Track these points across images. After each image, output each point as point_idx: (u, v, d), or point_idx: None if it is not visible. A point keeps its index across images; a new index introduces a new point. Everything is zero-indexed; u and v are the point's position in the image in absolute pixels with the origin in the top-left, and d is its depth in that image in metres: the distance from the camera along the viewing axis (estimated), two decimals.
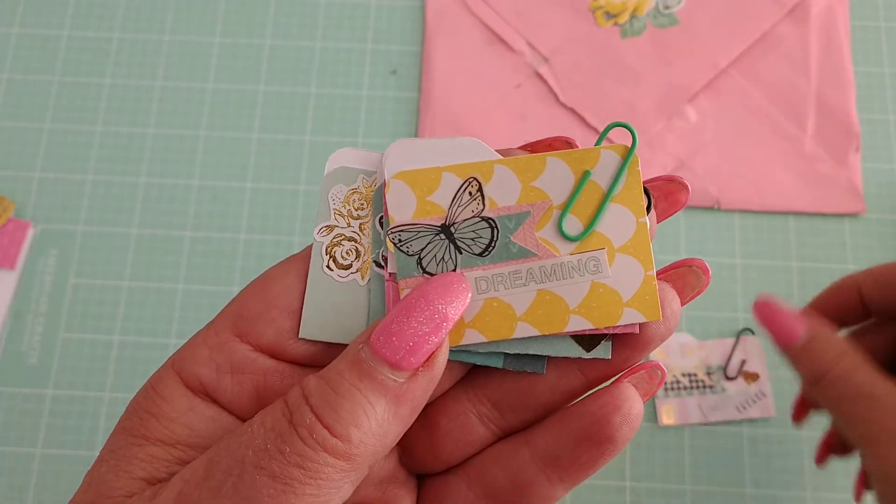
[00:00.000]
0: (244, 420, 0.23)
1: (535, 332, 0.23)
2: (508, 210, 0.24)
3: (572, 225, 0.24)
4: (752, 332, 0.52)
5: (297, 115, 0.58)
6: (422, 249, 0.23)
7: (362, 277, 0.24)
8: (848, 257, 0.54)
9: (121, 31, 0.60)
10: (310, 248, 0.24)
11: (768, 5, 0.58)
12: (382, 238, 0.24)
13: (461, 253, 0.24)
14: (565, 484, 0.24)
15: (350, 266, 0.24)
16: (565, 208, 0.24)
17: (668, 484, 0.50)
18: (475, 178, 0.24)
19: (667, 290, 0.24)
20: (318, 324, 0.23)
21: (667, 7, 0.59)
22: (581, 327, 0.23)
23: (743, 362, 0.52)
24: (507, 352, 0.24)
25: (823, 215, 0.55)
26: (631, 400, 0.23)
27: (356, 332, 0.23)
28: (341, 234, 0.24)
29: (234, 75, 0.59)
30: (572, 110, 0.57)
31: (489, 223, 0.24)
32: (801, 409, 0.44)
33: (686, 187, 0.24)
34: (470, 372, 0.25)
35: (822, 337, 0.37)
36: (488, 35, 0.59)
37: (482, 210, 0.24)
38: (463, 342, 0.23)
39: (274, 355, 0.24)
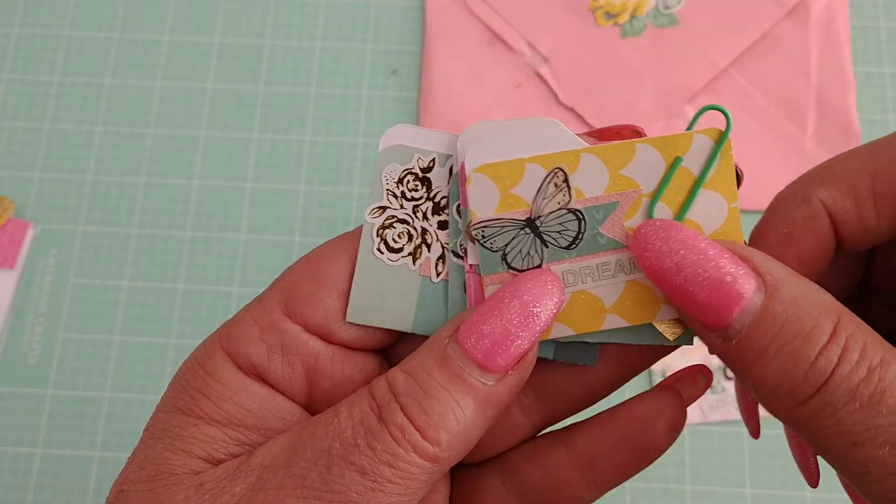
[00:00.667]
0: (296, 401, 0.23)
1: (625, 324, 0.22)
2: (596, 200, 0.22)
3: (663, 212, 0.22)
4: None
5: (297, 115, 0.58)
6: (506, 245, 0.22)
7: (413, 262, 0.23)
8: None
9: (121, 31, 0.60)
10: (360, 227, 0.23)
11: (768, 5, 0.58)
12: (461, 228, 0.23)
13: (547, 247, 0.22)
14: (601, 488, 0.23)
15: (401, 250, 0.23)
16: (655, 196, 0.22)
17: (668, 484, 0.50)
18: (560, 169, 0.22)
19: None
20: (365, 308, 0.23)
21: (667, 7, 0.59)
22: (670, 316, 0.22)
23: None
24: (590, 341, 0.23)
25: None
26: (675, 407, 0.23)
27: (404, 319, 0.23)
28: (393, 216, 0.23)
29: (234, 75, 0.59)
30: (572, 110, 0.57)
31: (576, 215, 0.22)
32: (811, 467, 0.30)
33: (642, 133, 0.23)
34: None
35: (802, 302, 0.19)
36: (488, 35, 0.59)
37: (568, 202, 0.22)
38: (551, 336, 0.22)
39: (322, 336, 0.23)
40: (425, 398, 0.20)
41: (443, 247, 0.23)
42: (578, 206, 0.22)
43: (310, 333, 0.23)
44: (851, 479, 0.19)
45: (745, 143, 0.56)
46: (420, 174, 0.23)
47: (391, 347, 0.24)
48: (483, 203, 0.22)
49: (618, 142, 0.23)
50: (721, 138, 0.23)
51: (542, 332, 0.20)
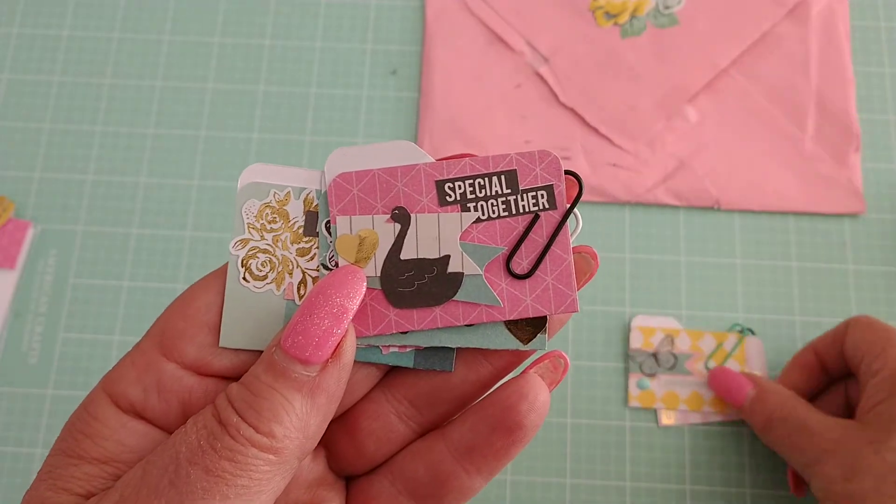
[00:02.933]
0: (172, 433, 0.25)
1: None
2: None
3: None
4: (753, 332, 0.52)
5: (297, 115, 0.58)
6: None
7: (277, 287, 0.25)
8: (848, 257, 0.54)
9: (121, 31, 0.60)
10: (226, 264, 0.25)
11: (768, 5, 0.58)
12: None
13: None
14: (483, 474, 0.26)
15: (265, 277, 0.25)
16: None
17: (668, 484, 0.50)
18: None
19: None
20: (236, 333, 0.25)
21: (667, 7, 0.59)
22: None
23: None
24: (447, 345, 0.25)
25: (823, 215, 0.55)
26: (536, 388, 0.25)
27: (270, 340, 0.25)
28: (256, 247, 0.25)
29: (234, 75, 0.59)
30: (572, 110, 0.57)
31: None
32: (798, 483, 0.48)
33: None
34: (387, 374, 0.27)
35: (767, 389, 0.46)
36: (488, 35, 0.59)
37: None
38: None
39: (199, 371, 0.25)
40: (255, 399, 0.22)
41: (303, 272, 0.25)
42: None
43: (185, 369, 0.25)
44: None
45: (745, 143, 0.56)
46: (277, 207, 0.25)
47: None
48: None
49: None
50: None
51: (349, 319, 0.23)
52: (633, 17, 0.59)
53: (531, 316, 0.25)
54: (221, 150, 0.57)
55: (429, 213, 0.25)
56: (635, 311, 0.53)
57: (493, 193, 0.25)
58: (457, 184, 0.25)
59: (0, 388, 0.52)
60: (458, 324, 0.25)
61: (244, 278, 0.25)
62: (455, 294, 0.25)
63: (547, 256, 0.25)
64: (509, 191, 0.25)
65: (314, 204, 0.25)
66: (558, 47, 0.58)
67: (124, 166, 0.57)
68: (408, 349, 0.25)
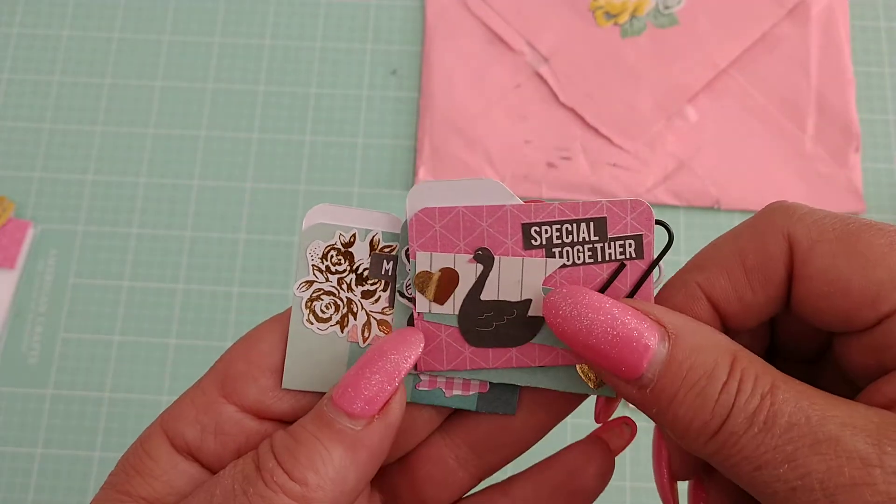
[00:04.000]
0: None
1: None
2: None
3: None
4: None
5: (297, 115, 0.58)
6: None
7: (341, 330, 0.25)
8: None
9: (121, 31, 0.60)
10: (290, 309, 0.25)
11: (768, 5, 0.58)
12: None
13: None
14: None
15: (329, 319, 0.25)
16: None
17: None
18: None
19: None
20: (299, 374, 0.25)
21: (667, 7, 0.59)
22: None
23: None
24: (518, 383, 0.25)
25: None
26: (603, 455, 0.25)
27: (333, 382, 0.25)
28: (320, 289, 0.25)
29: (234, 75, 0.59)
30: (572, 110, 0.57)
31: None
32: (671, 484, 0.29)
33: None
34: (447, 419, 0.27)
35: (701, 346, 0.22)
36: (488, 35, 0.59)
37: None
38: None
39: (258, 414, 0.25)
40: (295, 445, 0.22)
41: (368, 314, 0.25)
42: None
43: (244, 412, 0.25)
44: (764, 501, 0.20)
45: (744, 143, 0.56)
46: (342, 249, 0.25)
47: None
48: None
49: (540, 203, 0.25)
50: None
51: (401, 378, 0.23)
52: (633, 17, 0.59)
53: None
54: (221, 150, 0.57)
55: (513, 255, 0.25)
56: None
57: (581, 239, 0.24)
58: (544, 228, 0.24)
59: (0, 388, 0.52)
60: (533, 365, 0.25)
61: (308, 320, 0.25)
62: (533, 337, 0.25)
63: None
64: (597, 238, 0.24)
65: (380, 246, 0.25)
66: (558, 47, 0.58)
67: (124, 166, 0.57)
68: (470, 393, 0.25)
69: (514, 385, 0.26)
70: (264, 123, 0.58)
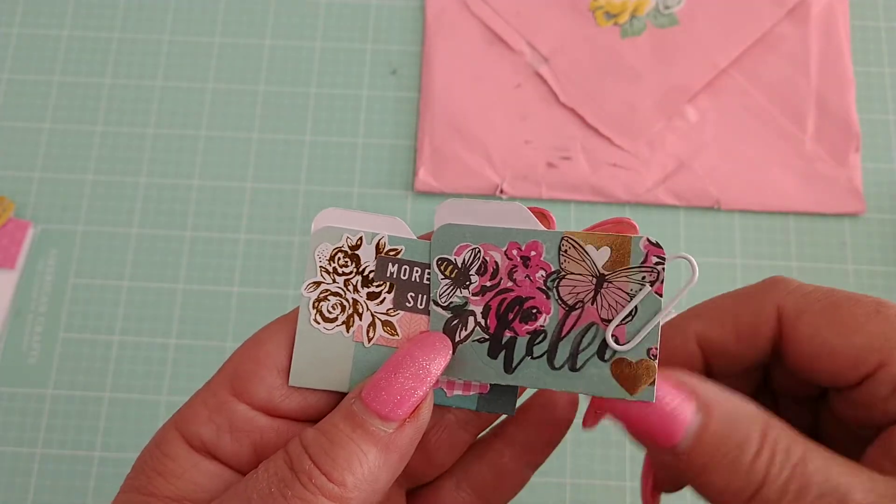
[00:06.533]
0: (245, 474, 0.25)
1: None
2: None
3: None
4: None
5: (297, 115, 0.58)
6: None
7: (347, 330, 0.26)
8: (848, 257, 0.54)
9: (121, 31, 0.60)
10: (297, 309, 0.26)
11: (768, 5, 0.58)
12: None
13: None
14: (533, 466, 0.29)
15: (335, 319, 0.26)
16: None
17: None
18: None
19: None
20: (306, 373, 0.25)
21: (667, 7, 0.59)
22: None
23: None
24: (552, 388, 0.25)
25: (823, 215, 0.55)
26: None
27: (341, 380, 0.26)
28: (327, 290, 0.26)
29: (234, 75, 0.59)
30: (572, 110, 0.57)
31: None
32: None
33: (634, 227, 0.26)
34: (455, 464, 0.28)
35: (733, 417, 0.23)
36: (488, 35, 0.59)
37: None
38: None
39: (268, 412, 0.25)
40: (331, 446, 0.22)
41: (373, 315, 0.26)
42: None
43: (256, 410, 0.25)
44: None
45: (745, 143, 0.56)
46: (349, 251, 0.26)
47: None
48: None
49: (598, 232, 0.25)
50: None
51: (432, 383, 0.24)
52: (633, 17, 0.59)
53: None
54: (221, 150, 0.57)
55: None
56: None
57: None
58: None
59: (0, 388, 0.52)
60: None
61: (315, 320, 0.26)
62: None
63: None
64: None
65: (386, 249, 0.26)
66: (558, 47, 0.58)
67: (124, 166, 0.57)
68: (471, 393, 0.26)
69: (514, 387, 0.26)
70: (264, 123, 0.58)
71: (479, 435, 0.29)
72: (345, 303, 0.26)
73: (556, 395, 0.28)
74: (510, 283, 0.25)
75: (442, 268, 0.26)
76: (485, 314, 0.25)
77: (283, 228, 0.55)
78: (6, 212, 0.55)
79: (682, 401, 0.23)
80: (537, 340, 0.25)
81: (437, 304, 0.26)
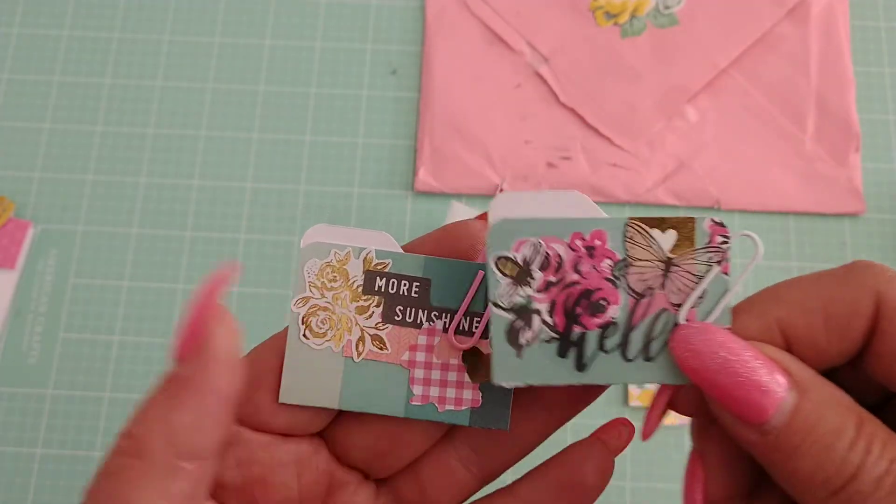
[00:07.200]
0: (228, 489, 0.25)
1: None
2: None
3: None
4: None
5: (297, 115, 0.58)
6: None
7: (336, 345, 0.26)
8: (848, 257, 0.54)
9: (121, 31, 0.60)
10: (286, 329, 0.26)
11: (768, 5, 0.58)
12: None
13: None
14: None
15: (325, 335, 0.26)
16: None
17: (668, 484, 0.50)
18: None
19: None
20: (296, 389, 0.25)
21: (667, 7, 0.59)
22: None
23: None
24: (624, 382, 0.24)
25: (823, 215, 0.55)
26: (601, 453, 0.26)
27: (331, 397, 0.25)
28: (316, 305, 0.26)
29: (234, 75, 0.59)
30: (572, 110, 0.57)
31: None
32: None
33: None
34: (452, 427, 0.27)
35: (828, 402, 0.22)
36: (488, 35, 0.59)
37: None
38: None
39: (255, 428, 0.25)
40: (135, 409, 0.22)
41: (362, 330, 0.26)
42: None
43: (242, 426, 0.25)
44: None
45: (744, 143, 0.56)
46: (337, 266, 0.26)
47: (326, 429, 0.26)
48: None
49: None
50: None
51: (207, 311, 0.23)
52: (633, 17, 0.59)
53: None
54: (221, 150, 0.57)
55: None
56: None
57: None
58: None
59: (0, 388, 0.52)
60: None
61: (304, 335, 0.26)
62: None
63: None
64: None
65: (373, 263, 0.26)
66: (558, 47, 0.58)
67: (124, 166, 0.57)
68: (462, 408, 0.26)
69: (507, 400, 0.26)
70: (264, 123, 0.58)
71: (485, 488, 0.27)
72: (334, 318, 0.26)
73: (584, 458, 0.26)
74: (576, 276, 0.24)
75: (500, 266, 0.24)
76: (551, 311, 0.24)
77: (283, 228, 0.55)
78: (6, 212, 0.55)
79: (776, 375, 0.22)
80: (608, 333, 0.24)
81: (497, 305, 0.24)
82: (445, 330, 0.26)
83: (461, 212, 0.54)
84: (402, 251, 0.26)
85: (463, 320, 0.26)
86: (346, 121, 0.58)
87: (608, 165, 0.56)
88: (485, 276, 0.25)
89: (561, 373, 0.24)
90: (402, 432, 0.26)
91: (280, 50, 0.59)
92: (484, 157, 0.56)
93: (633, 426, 0.26)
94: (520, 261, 0.24)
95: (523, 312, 0.24)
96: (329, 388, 0.25)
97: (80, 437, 0.51)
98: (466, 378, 0.26)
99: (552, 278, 0.24)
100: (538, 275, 0.24)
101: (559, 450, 0.27)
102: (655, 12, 0.59)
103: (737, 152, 0.56)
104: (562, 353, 0.24)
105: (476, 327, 0.26)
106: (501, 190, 0.55)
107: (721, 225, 0.24)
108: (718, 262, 0.24)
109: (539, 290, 0.24)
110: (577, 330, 0.24)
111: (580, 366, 0.24)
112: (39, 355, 0.52)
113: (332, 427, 0.26)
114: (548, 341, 0.24)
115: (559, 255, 0.24)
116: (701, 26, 0.58)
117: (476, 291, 0.26)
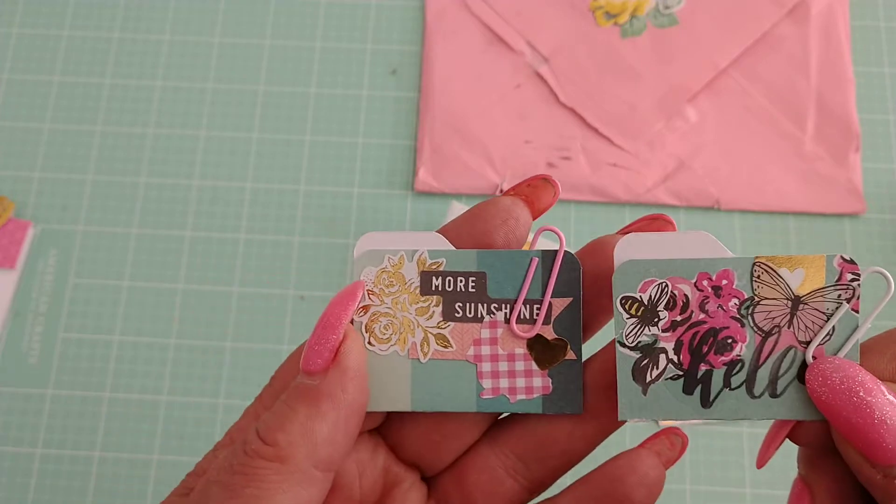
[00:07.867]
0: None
1: None
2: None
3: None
4: None
5: (297, 115, 0.58)
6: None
7: (401, 348, 0.26)
8: None
9: (121, 31, 0.60)
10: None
11: (768, 5, 0.58)
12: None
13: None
14: None
15: (389, 339, 0.26)
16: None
17: (668, 484, 0.50)
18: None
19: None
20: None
21: (667, 7, 0.59)
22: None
23: None
24: (753, 418, 0.24)
25: (823, 215, 0.55)
26: (647, 464, 0.25)
27: (402, 400, 0.26)
28: (377, 312, 0.27)
29: (234, 75, 0.59)
30: (572, 110, 0.57)
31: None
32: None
33: (555, 188, 0.26)
34: (495, 427, 0.27)
35: None
36: (488, 35, 0.59)
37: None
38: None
39: None
40: (269, 415, 0.24)
41: (424, 330, 0.26)
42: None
43: None
44: None
45: (744, 143, 0.56)
46: (392, 271, 0.27)
47: (383, 426, 0.27)
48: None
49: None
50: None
51: (342, 326, 0.24)
52: (633, 17, 0.59)
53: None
54: (221, 150, 0.57)
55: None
56: None
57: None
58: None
59: (0, 388, 0.52)
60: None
61: (369, 342, 0.26)
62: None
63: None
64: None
65: (427, 264, 0.26)
66: (558, 47, 0.58)
67: (124, 166, 0.57)
68: (534, 396, 0.26)
69: (578, 383, 0.26)
70: (264, 123, 0.58)
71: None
72: (396, 322, 0.26)
73: (623, 470, 0.25)
74: (702, 316, 0.25)
75: (626, 306, 0.25)
76: (677, 350, 0.25)
77: (283, 228, 0.55)
78: (6, 212, 0.55)
79: None
80: (734, 371, 0.24)
81: (623, 344, 0.25)
82: (507, 321, 0.26)
83: (461, 212, 0.54)
84: (455, 249, 0.26)
85: (523, 308, 0.26)
86: (346, 121, 0.58)
87: (608, 165, 0.56)
88: (538, 263, 0.26)
89: (686, 409, 0.24)
90: (449, 422, 0.26)
91: (280, 50, 0.59)
92: (484, 157, 0.56)
93: (685, 436, 0.26)
94: (646, 301, 0.25)
95: (649, 351, 0.25)
96: (399, 391, 0.26)
97: (80, 437, 0.51)
98: (534, 366, 0.26)
99: (678, 318, 0.25)
100: (664, 314, 0.25)
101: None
102: (655, 12, 0.59)
103: (737, 152, 0.56)
104: (687, 390, 0.25)
105: (537, 314, 0.26)
106: (501, 190, 0.55)
107: (851, 262, 0.25)
108: (848, 300, 0.24)
109: (665, 330, 0.25)
110: (703, 368, 0.25)
111: (706, 402, 0.24)
112: (39, 355, 0.52)
113: (386, 422, 0.27)
114: (673, 379, 0.25)
115: (685, 295, 0.25)
116: (701, 26, 0.58)
117: (531, 279, 0.26)
